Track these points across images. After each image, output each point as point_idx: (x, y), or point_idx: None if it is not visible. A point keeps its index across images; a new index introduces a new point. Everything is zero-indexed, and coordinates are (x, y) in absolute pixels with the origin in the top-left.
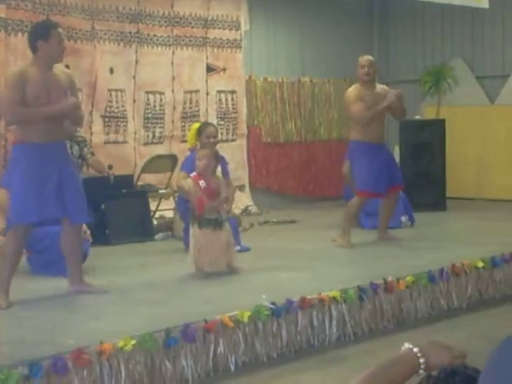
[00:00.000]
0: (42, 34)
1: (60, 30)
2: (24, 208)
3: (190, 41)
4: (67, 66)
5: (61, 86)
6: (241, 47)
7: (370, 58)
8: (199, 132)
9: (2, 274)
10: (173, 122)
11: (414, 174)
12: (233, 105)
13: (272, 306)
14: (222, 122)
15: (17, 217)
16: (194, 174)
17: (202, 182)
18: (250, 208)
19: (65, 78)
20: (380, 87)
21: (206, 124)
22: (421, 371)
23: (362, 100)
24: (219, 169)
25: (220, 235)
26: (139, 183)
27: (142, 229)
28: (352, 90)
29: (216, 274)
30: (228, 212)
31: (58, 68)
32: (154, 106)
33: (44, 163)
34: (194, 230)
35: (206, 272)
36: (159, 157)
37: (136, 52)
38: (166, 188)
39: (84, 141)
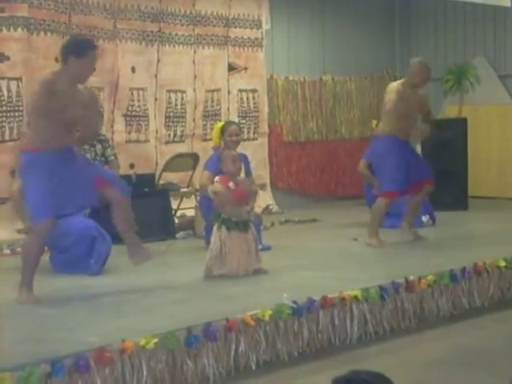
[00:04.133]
0: (76, 51)
1: (97, 52)
2: (42, 206)
3: (212, 40)
4: None
5: (80, 103)
6: (262, 46)
7: (428, 66)
8: (222, 131)
9: (24, 272)
10: (194, 120)
11: (436, 172)
12: (254, 104)
13: (293, 305)
14: (244, 121)
15: (37, 215)
16: (221, 176)
17: (231, 185)
18: (271, 207)
19: (87, 95)
20: (421, 91)
21: (229, 123)
22: None
23: (403, 97)
24: (242, 167)
25: (247, 238)
26: (161, 182)
27: (163, 227)
28: (397, 84)
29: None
30: (252, 209)
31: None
32: (176, 105)
33: (56, 167)
34: (220, 233)
35: (219, 274)
36: (181, 155)
37: (158, 51)
38: (187, 187)
39: (107, 140)
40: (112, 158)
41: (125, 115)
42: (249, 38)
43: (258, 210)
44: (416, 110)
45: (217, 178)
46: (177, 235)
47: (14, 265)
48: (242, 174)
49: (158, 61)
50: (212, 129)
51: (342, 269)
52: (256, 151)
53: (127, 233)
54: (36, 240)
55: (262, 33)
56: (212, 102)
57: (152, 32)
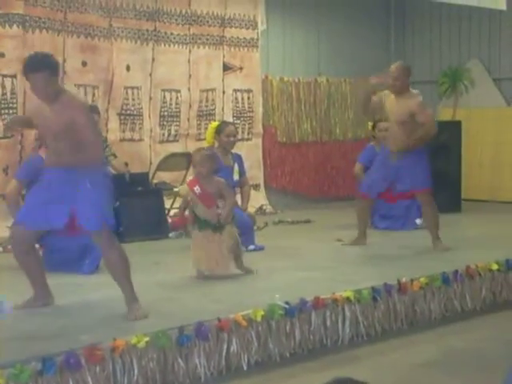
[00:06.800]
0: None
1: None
2: (23, 211)
3: (207, 39)
4: (84, 63)
5: (52, 124)
6: (257, 46)
7: (399, 67)
8: (218, 131)
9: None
10: (188, 120)
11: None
12: (249, 104)
13: (285, 306)
14: (238, 121)
15: (17, 217)
16: (189, 180)
17: (196, 188)
18: (264, 207)
19: (64, 112)
20: (412, 96)
21: (225, 123)
22: None
23: (373, 105)
24: (236, 167)
25: (220, 238)
26: (154, 181)
27: (156, 227)
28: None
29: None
30: (244, 210)
31: (65, 101)
32: (170, 104)
33: (45, 183)
34: (193, 233)
35: (206, 274)
36: (174, 155)
37: (153, 50)
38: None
39: (104, 141)
40: (111, 157)
41: (119, 114)
42: (244, 38)
43: (251, 210)
44: (397, 116)
45: (188, 180)
46: (170, 234)
47: (7, 263)
48: (236, 175)
49: (153, 60)
50: (206, 128)
51: (335, 270)
52: (250, 151)
53: (121, 284)
54: (11, 242)
55: (257, 33)
56: (207, 101)
57: (147, 31)
